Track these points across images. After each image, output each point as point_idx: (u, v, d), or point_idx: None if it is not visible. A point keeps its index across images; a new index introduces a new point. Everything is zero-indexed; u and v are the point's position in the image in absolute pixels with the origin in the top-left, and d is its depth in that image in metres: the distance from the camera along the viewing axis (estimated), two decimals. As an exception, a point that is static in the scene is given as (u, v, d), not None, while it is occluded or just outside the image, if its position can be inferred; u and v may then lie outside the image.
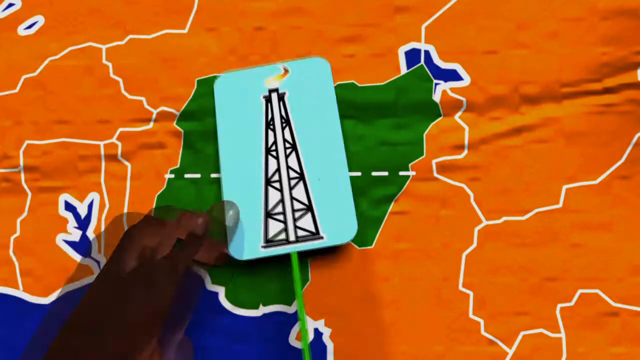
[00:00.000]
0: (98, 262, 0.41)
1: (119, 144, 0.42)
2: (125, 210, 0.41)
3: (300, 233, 0.39)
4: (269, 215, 0.39)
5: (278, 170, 0.40)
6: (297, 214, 0.39)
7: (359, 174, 0.41)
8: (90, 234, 0.41)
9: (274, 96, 0.41)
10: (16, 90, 0.42)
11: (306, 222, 0.39)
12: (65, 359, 0.31)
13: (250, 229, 0.39)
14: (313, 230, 0.39)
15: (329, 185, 0.40)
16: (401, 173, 0.40)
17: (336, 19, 0.41)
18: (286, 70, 0.41)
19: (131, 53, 0.42)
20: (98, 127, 0.42)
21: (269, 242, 0.39)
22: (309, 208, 0.39)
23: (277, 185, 0.40)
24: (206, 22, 0.42)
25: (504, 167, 0.40)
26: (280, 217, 0.39)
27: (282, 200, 0.40)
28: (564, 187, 0.40)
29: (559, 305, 0.39)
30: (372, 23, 0.41)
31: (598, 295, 0.39)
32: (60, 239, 0.41)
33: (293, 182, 0.40)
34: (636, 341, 0.39)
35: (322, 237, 0.39)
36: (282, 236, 0.39)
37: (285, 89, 0.41)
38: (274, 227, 0.39)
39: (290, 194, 0.40)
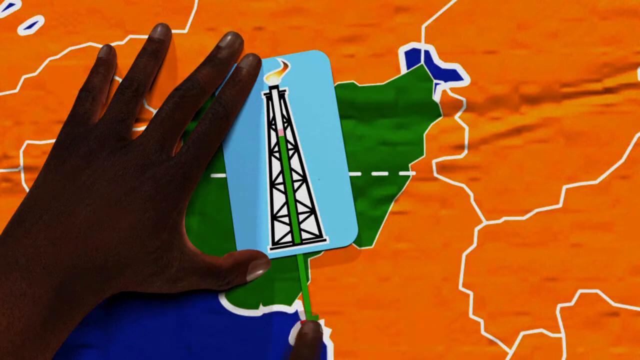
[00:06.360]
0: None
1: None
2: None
3: (305, 235, 0.39)
4: (275, 217, 0.39)
5: (282, 172, 0.40)
6: (301, 217, 0.39)
7: (359, 174, 0.41)
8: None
9: (275, 94, 0.41)
10: (16, 90, 0.42)
11: (310, 224, 0.39)
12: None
13: (258, 231, 0.39)
14: (317, 232, 0.39)
15: (330, 186, 0.40)
16: (401, 173, 0.41)
17: (336, 19, 0.41)
18: (286, 65, 0.41)
19: (131, 53, 0.42)
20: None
21: (276, 244, 0.39)
22: (312, 210, 0.40)
23: (281, 187, 0.40)
24: (206, 22, 0.42)
25: (504, 167, 0.40)
26: (286, 220, 0.40)
27: (286, 203, 0.40)
28: (564, 187, 0.40)
29: (559, 305, 0.39)
30: (372, 23, 0.41)
31: (598, 295, 0.39)
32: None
33: (296, 184, 0.40)
34: (636, 341, 0.39)
35: (325, 240, 0.39)
36: (288, 238, 0.39)
37: (285, 85, 0.41)
38: (280, 229, 0.39)
39: (294, 196, 0.40)
